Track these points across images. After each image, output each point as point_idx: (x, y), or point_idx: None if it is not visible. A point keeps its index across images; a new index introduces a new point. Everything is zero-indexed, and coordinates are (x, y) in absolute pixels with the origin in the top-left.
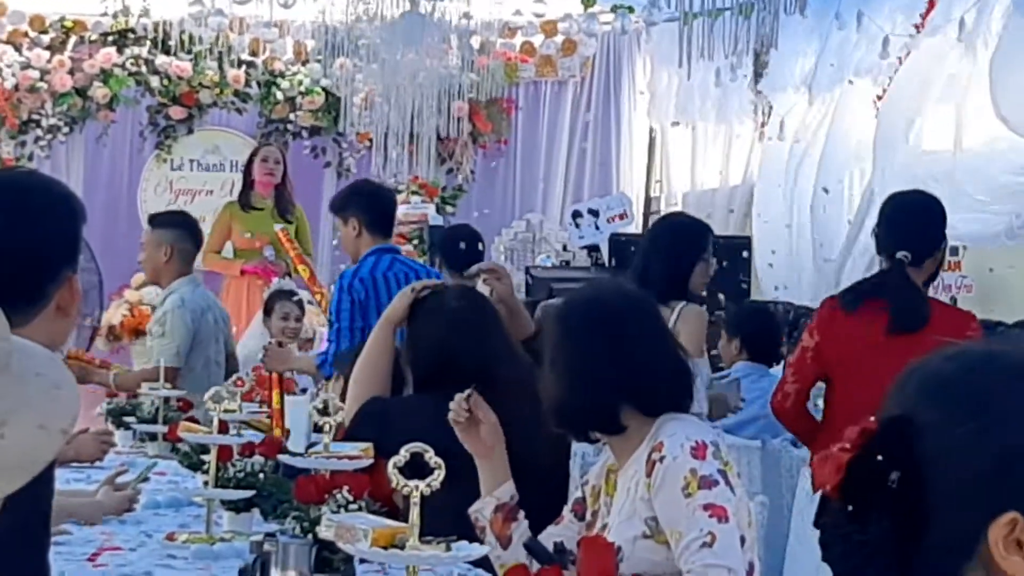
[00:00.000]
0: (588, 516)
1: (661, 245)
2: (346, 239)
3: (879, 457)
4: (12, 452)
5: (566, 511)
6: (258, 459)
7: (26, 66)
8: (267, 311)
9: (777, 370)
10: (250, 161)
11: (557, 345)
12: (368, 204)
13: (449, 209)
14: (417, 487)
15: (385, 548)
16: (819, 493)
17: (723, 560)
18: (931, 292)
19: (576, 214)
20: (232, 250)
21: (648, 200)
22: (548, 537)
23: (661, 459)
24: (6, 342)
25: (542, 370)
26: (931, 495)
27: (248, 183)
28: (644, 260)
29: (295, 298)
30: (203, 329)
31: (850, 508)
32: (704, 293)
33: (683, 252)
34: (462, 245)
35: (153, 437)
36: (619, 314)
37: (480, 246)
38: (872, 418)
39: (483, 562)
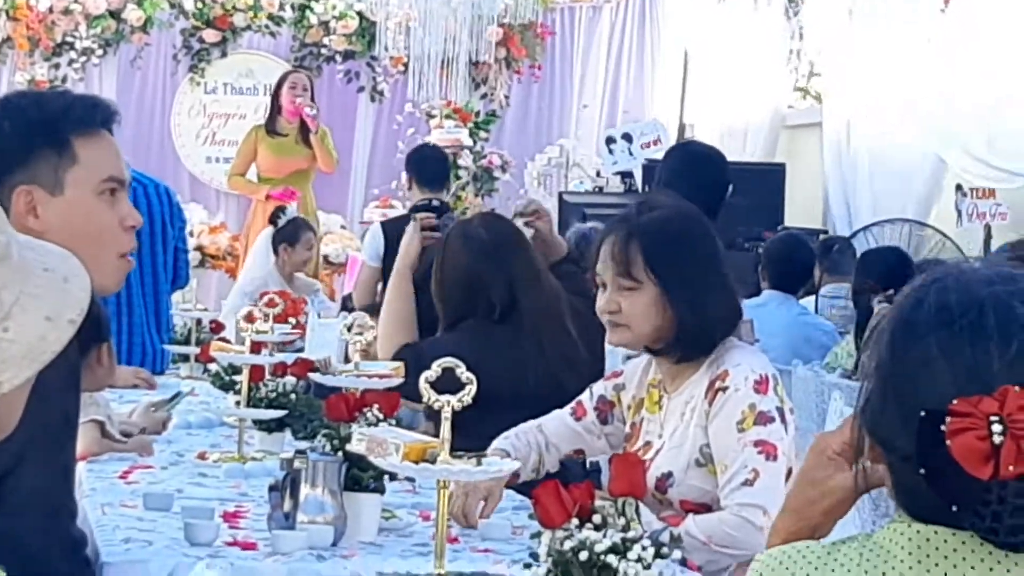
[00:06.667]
0: (627, 428)
1: (690, 175)
2: None
3: None
4: (18, 344)
5: (589, 406)
6: (290, 379)
7: None
8: (291, 240)
9: (806, 301)
10: (278, 87)
11: (685, 258)
12: None
13: (482, 134)
14: (448, 402)
15: (416, 463)
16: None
17: (760, 500)
18: (965, 220)
19: (610, 140)
20: (256, 174)
21: (682, 126)
22: (565, 427)
23: (724, 389)
24: (2, 234)
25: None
26: None
27: (276, 109)
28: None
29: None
30: None
31: None
32: None
33: (713, 181)
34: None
35: (185, 358)
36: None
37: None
38: (1017, 388)
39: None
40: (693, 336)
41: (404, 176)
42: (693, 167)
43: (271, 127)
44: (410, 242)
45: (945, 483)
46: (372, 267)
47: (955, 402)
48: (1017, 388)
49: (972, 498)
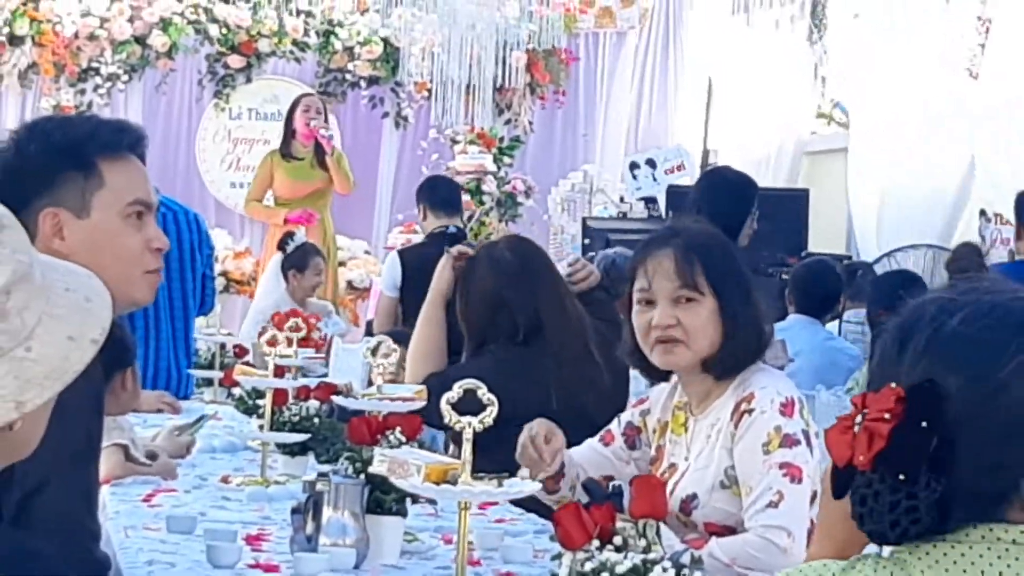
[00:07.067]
0: (652, 451)
1: (712, 200)
2: None
3: (924, 424)
4: (41, 364)
5: (617, 432)
6: (313, 403)
7: (86, 14)
8: (299, 266)
9: (831, 326)
10: (292, 110)
11: (734, 272)
12: None
13: (506, 160)
14: (470, 423)
15: (437, 483)
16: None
17: (784, 522)
18: (989, 246)
19: (633, 165)
20: (273, 199)
21: (706, 152)
22: (594, 453)
23: (750, 411)
24: (26, 255)
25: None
26: (964, 453)
27: (290, 132)
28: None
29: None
30: None
31: (901, 477)
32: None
33: (735, 208)
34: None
35: (209, 383)
36: None
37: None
38: (893, 385)
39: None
40: (741, 350)
41: (417, 207)
42: (713, 193)
43: (286, 151)
44: (442, 271)
45: (833, 474)
46: (390, 297)
47: (854, 396)
48: (894, 384)
49: (843, 487)
